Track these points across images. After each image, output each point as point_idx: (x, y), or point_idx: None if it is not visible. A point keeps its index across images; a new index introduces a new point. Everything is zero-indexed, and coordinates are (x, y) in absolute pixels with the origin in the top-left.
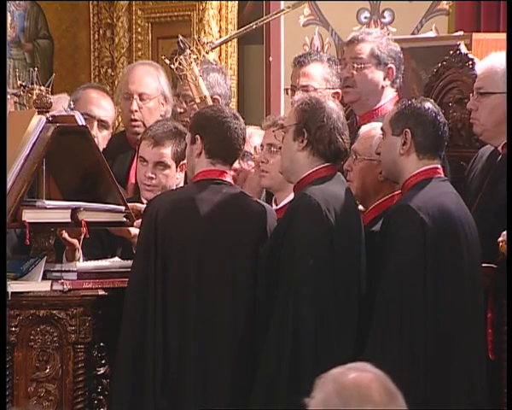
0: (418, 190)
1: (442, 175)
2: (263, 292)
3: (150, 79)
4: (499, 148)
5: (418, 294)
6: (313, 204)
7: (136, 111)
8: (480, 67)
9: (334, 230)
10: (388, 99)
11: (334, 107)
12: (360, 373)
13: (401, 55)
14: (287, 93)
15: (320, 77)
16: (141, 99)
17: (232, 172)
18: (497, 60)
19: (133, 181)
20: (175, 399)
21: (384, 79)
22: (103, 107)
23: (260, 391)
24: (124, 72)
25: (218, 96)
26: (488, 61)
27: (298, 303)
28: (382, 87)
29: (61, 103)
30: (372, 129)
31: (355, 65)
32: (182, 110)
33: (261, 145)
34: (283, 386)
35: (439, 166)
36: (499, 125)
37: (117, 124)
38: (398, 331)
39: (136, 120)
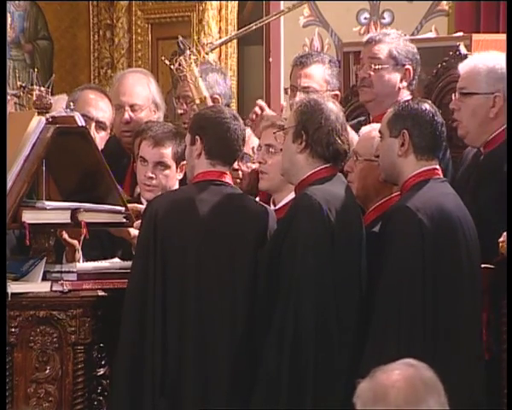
0: (417, 191)
1: (441, 176)
2: (264, 292)
3: (141, 89)
4: (481, 148)
5: (417, 294)
6: (314, 204)
7: (128, 122)
8: (463, 66)
9: (334, 230)
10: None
11: (333, 108)
12: (390, 373)
13: (418, 57)
14: (286, 93)
15: (321, 78)
16: (132, 110)
17: (240, 173)
18: (481, 60)
19: (129, 188)
20: (174, 399)
21: (401, 80)
22: (101, 108)
23: (261, 391)
24: (114, 80)
25: (217, 96)
26: (471, 61)
27: (298, 303)
28: (399, 89)
29: (60, 104)
30: (372, 130)
31: (372, 65)
32: (182, 111)
33: (259, 146)
34: (284, 386)
35: (438, 166)
36: (481, 127)
37: None
38: (397, 332)
39: (128, 131)
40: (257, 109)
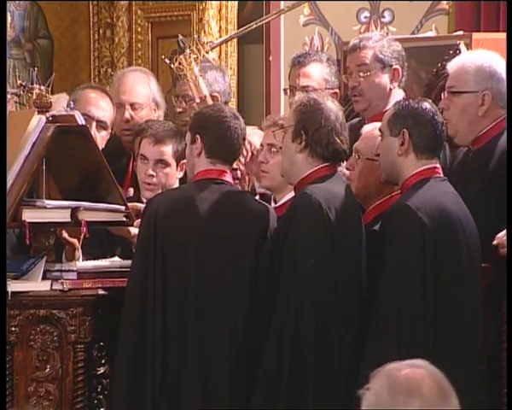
0: (417, 190)
1: (441, 175)
2: (264, 291)
3: (141, 87)
4: (471, 146)
5: (417, 294)
6: (314, 203)
7: (128, 121)
8: (452, 65)
9: (334, 228)
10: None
11: (332, 107)
12: (414, 369)
13: (403, 54)
14: (286, 93)
15: (320, 77)
16: (133, 108)
17: (238, 172)
18: (469, 59)
19: (129, 187)
20: (174, 398)
21: (391, 81)
22: (102, 107)
23: (261, 391)
24: (114, 79)
25: (216, 94)
26: (460, 60)
27: (299, 302)
28: (390, 89)
29: (60, 103)
30: (375, 128)
31: (361, 73)
32: (181, 110)
33: (261, 145)
34: (284, 385)
35: (438, 165)
36: (471, 125)
37: None
38: (397, 331)
39: (128, 130)
40: (247, 145)
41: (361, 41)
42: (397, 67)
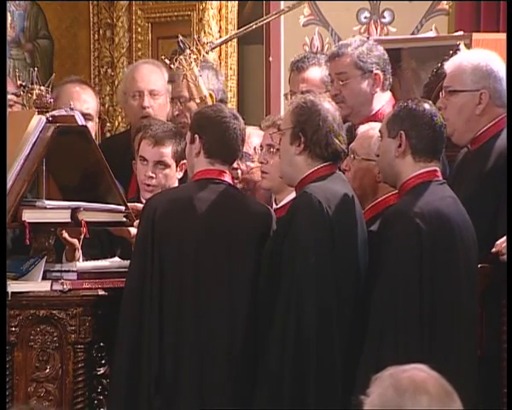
0: (415, 195)
1: (440, 178)
2: (264, 292)
3: (157, 77)
4: (469, 145)
5: (414, 300)
6: (314, 202)
7: (148, 107)
8: (449, 65)
9: (334, 227)
10: (384, 102)
11: (329, 108)
12: (416, 371)
13: (386, 57)
14: (286, 98)
15: (319, 81)
16: (151, 95)
17: (239, 172)
18: (466, 58)
19: (134, 189)
20: (170, 398)
21: (372, 86)
22: (84, 100)
23: (263, 391)
24: (126, 72)
25: (210, 91)
26: (457, 59)
27: (300, 302)
28: (372, 94)
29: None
30: (370, 129)
31: (340, 82)
32: (177, 112)
33: (260, 146)
34: (286, 386)
35: (438, 168)
36: (468, 124)
37: (117, 124)
38: (394, 335)
39: (147, 116)
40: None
41: (340, 49)
42: (377, 72)
